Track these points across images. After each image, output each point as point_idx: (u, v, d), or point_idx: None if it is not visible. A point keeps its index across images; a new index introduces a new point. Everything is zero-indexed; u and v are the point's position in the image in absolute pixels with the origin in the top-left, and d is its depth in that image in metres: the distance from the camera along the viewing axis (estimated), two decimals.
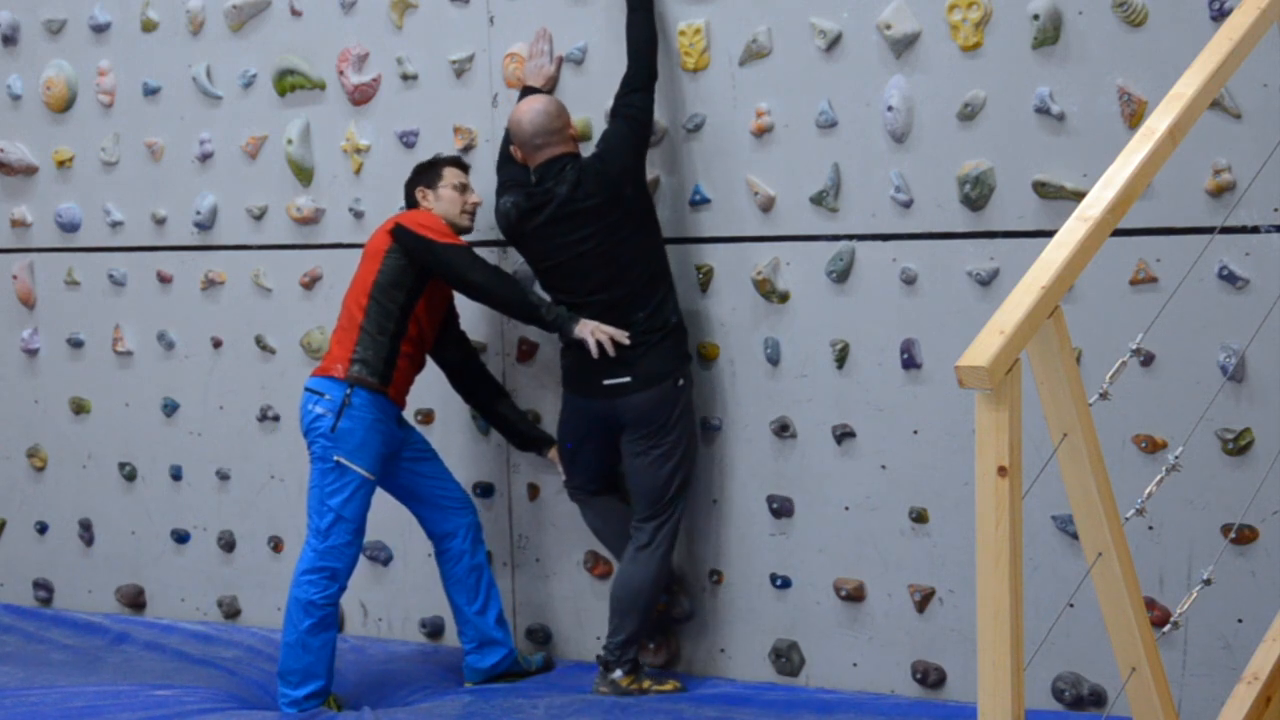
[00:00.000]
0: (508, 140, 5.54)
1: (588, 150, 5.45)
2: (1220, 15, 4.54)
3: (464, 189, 5.57)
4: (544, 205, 5.34)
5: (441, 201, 5.53)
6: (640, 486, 5.39)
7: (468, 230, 5.58)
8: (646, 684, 5.42)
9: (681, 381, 5.34)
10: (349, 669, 5.88)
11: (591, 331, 5.27)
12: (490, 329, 5.88)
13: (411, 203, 5.61)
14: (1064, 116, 4.82)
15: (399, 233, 5.43)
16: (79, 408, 6.78)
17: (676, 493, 5.37)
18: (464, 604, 5.64)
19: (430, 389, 5.80)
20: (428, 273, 5.43)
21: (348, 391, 5.37)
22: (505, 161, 5.56)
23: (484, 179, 5.67)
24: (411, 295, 5.45)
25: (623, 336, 5.27)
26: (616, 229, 5.28)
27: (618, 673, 5.39)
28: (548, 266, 5.40)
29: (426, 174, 5.59)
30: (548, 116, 5.38)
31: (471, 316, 5.81)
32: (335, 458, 5.38)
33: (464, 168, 5.64)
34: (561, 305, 5.35)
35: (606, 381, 5.31)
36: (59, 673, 6.05)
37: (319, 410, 5.40)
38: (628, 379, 5.29)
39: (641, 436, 5.34)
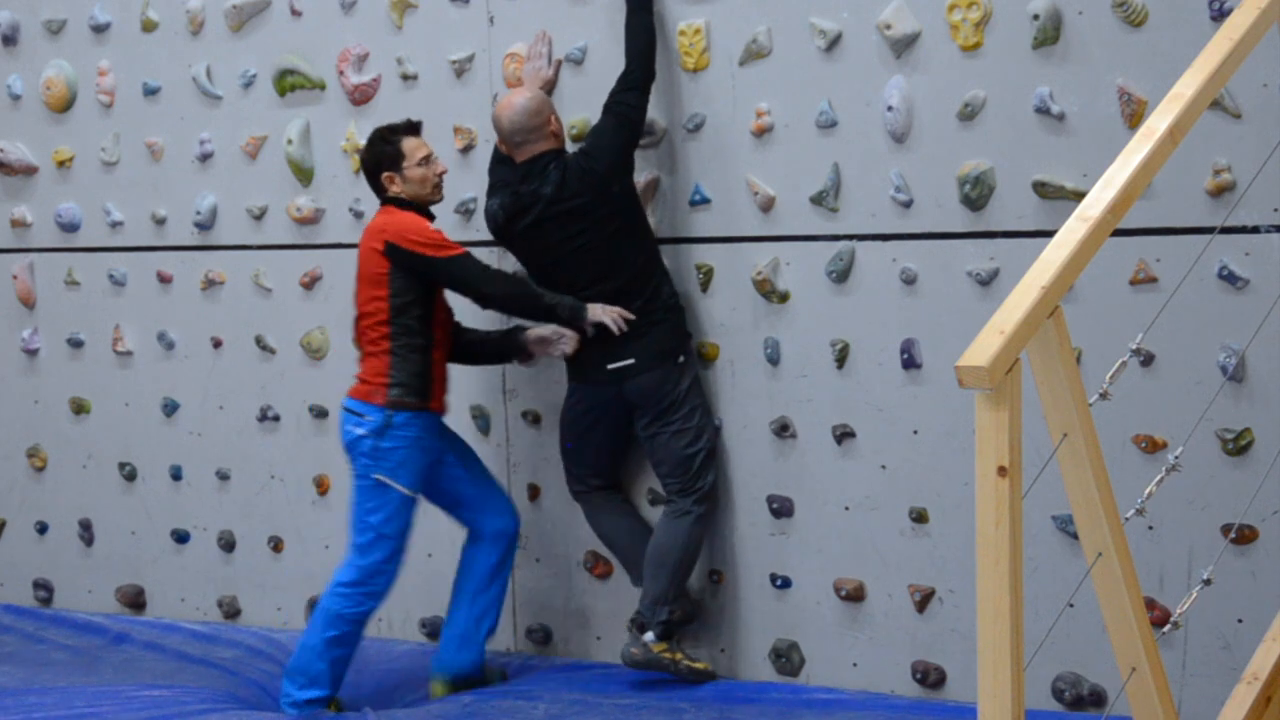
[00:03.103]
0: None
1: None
2: (1220, 15, 4.54)
3: (428, 160, 5.42)
4: (530, 206, 5.35)
5: (410, 183, 5.39)
6: (665, 464, 5.42)
7: (439, 201, 5.48)
8: (679, 655, 5.37)
9: (683, 358, 5.37)
10: (349, 669, 5.88)
11: (604, 313, 5.28)
12: (488, 328, 5.87)
13: (378, 187, 5.45)
14: (1064, 116, 4.82)
15: (394, 254, 5.31)
16: (79, 408, 6.78)
17: (703, 464, 5.39)
18: (468, 599, 5.56)
19: None
20: (434, 283, 5.40)
21: (389, 414, 5.31)
22: (496, 163, 5.56)
23: (483, 179, 5.65)
24: (427, 304, 5.38)
25: (628, 314, 5.29)
26: (607, 223, 5.31)
27: (649, 635, 5.34)
28: (544, 264, 5.42)
29: (388, 157, 5.39)
30: (526, 114, 5.37)
31: (472, 315, 5.79)
32: (375, 476, 5.32)
33: (418, 132, 5.46)
34: (567, 296, 5.36)
35: (611, 366, 5.34)
36: (59, 673, 6.06)
37: (359, 431, 5.34)
38: (631, 361, 5.32)
39: (654, 417, 5.37)
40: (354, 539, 5.40)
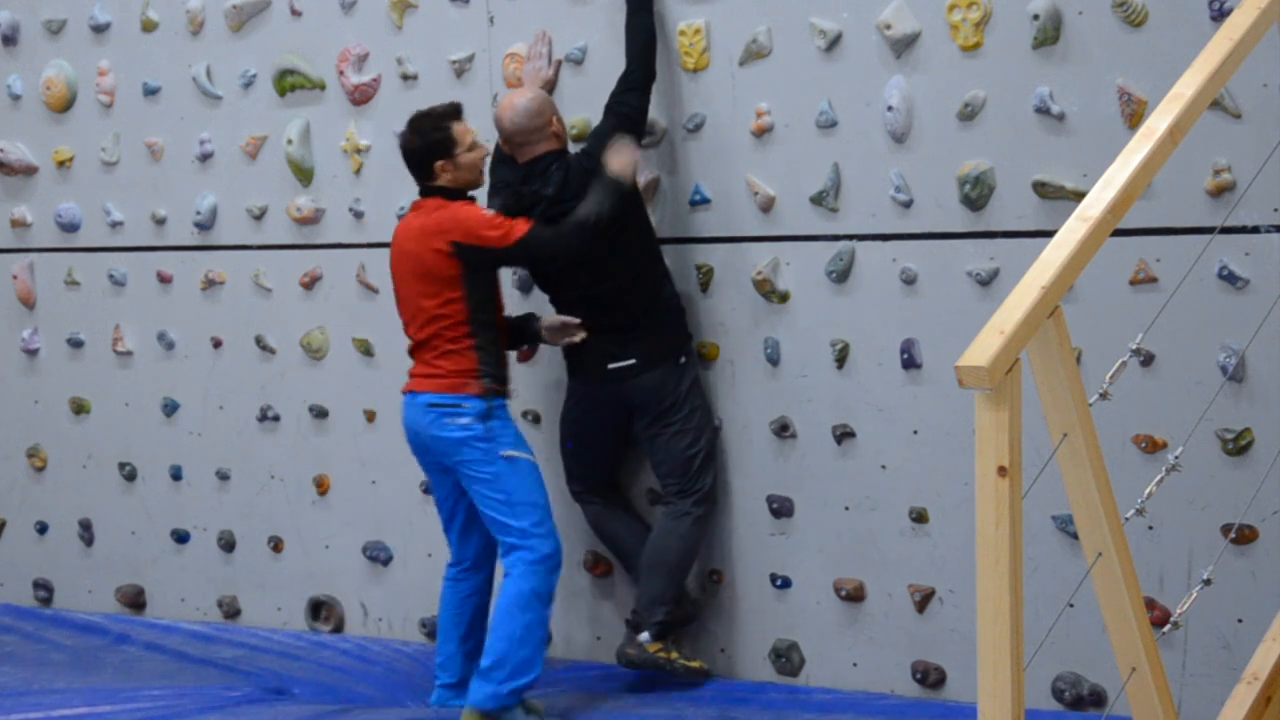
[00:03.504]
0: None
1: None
2: (1220, 15, 4.54)
3: (475, 145, 5.28)
4: (532, 207, 5.34)
5: (462, 169, 5.23)
6: (664, 465, 5.42)
7: (481, 185, 5.36)
8: (674, 655, 5.36)
9: (684, 359, 5.37)
10: (350, 669, 5.89)
11: (620, 157, 5.18)
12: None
13: (428, 176, 5.23)
14: (1064, 116, 4.82)
15: (465, 253, 5.14)
16: (79, 408, 6.78)
17: (703, 465, 5.40)
18: (459, 638, 5.41)
19: None
20: (503, 266, 5.30)
21: (488, 403, 5.17)
22: (498, 163, 5.55)
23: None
24: (494, 293, 5.30)
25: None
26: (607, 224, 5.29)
27: (644, 635, 5.34)
28: (545, 263, 5.40)
29: (439, 144, 5.20)
30: (527, 115, 5.34)
31: None
32: (501, 454, 5.16)
33: (462, 115, 5.32)
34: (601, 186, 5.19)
35: (611, 366, 5.34)
36: (59, 673, 6.06)
37: (462, 421, 5.15)
38: (632, 361, 5.32)
39: (654, 418, 5.37)
40: (513, 530, 5.15)
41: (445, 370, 5.20)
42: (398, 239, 5.32)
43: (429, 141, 5.22)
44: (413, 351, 5.32)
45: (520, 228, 5.16)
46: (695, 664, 5.42)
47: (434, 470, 5.35)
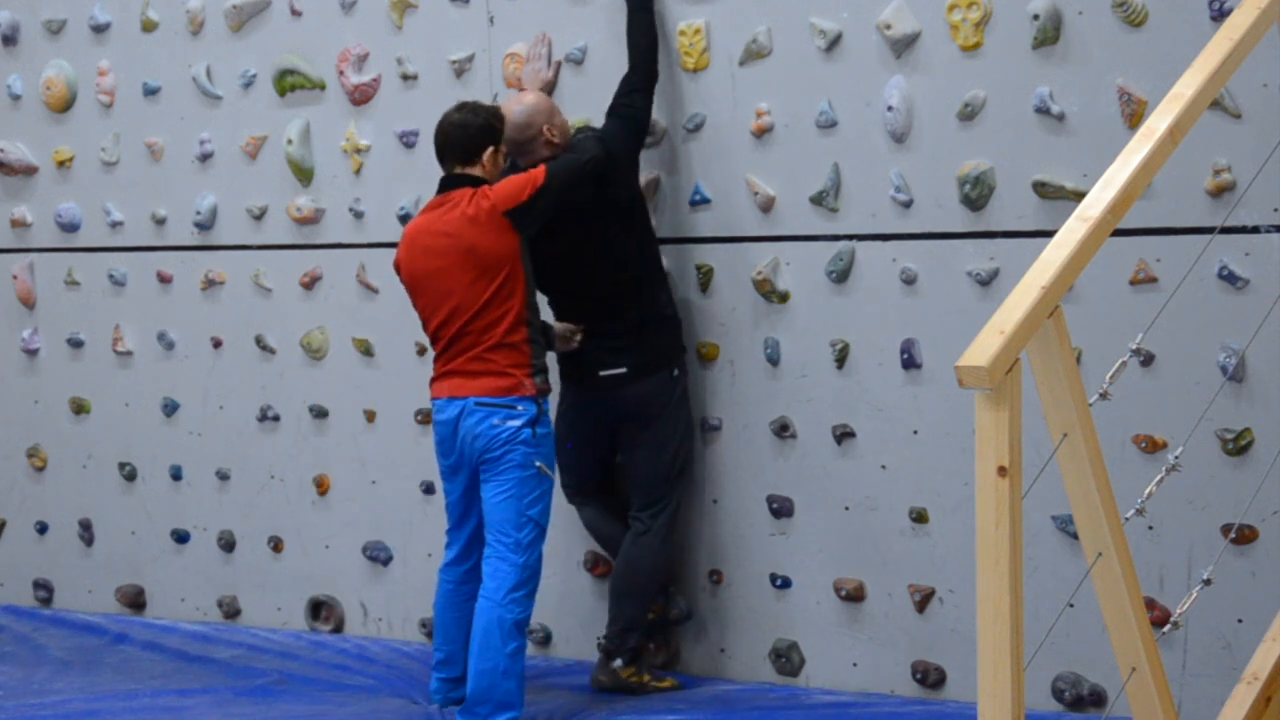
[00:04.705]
0: None
1: None
2: (1220, 15, 4.54)
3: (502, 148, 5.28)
4: None
5: (497, 165, 5.18)
6: (638, 476, 5.42)
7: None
8: (646, 678, 5.41)
9: (677, 371, 5.37)
10: (350, 670, 5.89)
11: None
12: None
13: (470, 160, 5.12)
14: (1064, 116, 4.83)
15: (522, 216, 5.04)
16: (79, 408, 6.78)
17: (674, 481, 5.39)
18: (464, 641, 5.30)
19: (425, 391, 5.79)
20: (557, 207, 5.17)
21: (542, 403, 5.10)
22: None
23: None
24: (534, 291, 5.21)
25: None
26: (607, 226, 5.28)
27: (618, 662, 5.38)
28: (546, 264, 5.39)
29: (496, 130, 5.14)
30: (517, 129, 5.27)
31: None
32: (537, 464, 5.08)
33: None
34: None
35: (603, 373, 5.32)
36: (58, 673, 6.06)
37: (513, 423, 5.04)
38: (623, 369, 5.30)
39: (639, 427, 5.36)
40: (511, 537, 5.07)
41: (498, 367, 5.06)
42: (420, 236, 5.13)
43: (486, 123, 5.14)
44: (446, 351, 5.14)
45: (540, 168, 5.11)
46: (665, 684, 5.45)
47: (455, 471, 5.22)
